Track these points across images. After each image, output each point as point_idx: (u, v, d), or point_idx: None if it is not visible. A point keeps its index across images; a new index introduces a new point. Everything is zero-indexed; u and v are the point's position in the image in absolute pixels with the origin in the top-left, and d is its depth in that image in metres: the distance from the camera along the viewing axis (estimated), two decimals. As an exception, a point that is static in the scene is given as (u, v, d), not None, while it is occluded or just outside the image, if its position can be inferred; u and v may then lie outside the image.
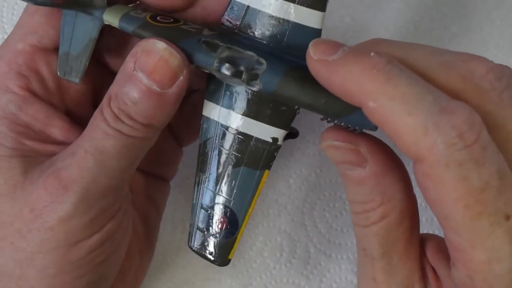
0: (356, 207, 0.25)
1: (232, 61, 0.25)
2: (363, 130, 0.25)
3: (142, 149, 0.28)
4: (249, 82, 0.25)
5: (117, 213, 0.28)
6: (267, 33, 0.27)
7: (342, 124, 0.25)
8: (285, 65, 0.25)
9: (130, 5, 0.28)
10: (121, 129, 0.26)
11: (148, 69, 0.25)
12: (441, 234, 0.25)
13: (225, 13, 0.27)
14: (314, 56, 0.23)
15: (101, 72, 0.31)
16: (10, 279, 0.27)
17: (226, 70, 0.25)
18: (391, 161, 0.24)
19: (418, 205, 0.26)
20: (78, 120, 0.30)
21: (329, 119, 0.25)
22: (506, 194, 0.21)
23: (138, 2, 0.28)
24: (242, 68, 0.25)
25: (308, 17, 0.26)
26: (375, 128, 0.24)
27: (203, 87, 0.28)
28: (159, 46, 0.25)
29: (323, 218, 0.39)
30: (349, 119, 0.25)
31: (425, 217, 0.38)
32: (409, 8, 0.40)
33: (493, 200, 0.20)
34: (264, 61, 0.25)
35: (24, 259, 0.26)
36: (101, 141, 0.26)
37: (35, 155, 0.28)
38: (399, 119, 0.21)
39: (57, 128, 0.29)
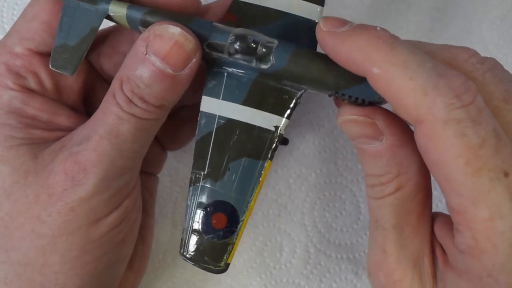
0: (372, 180, 0.26)
1: (246, 37, 0.26)
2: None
3: (154, 129, 0.28)
4: (262, 58, 0.26)
5: (132, 191, 0.29)
6: (269, 26, 0.28)
7: (351, 97, 0.26)
8: (293, 44, 0.26)
9: None
10: (135, 112, 0.27)
11: (162, 53, 0.26)
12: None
13: (227, 10, 0.28)
14: (323, 28, 0.25)
15: (93, 74, 0.32)
16: (33, 268, 0.27)
17: (240, 46, 0.26)
18: (407, 134, 0.25)
19: None
20: None
21: (337, 93, 0.26)
22: (503, 152, 0.22)
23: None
24: (255, 44, 0.26)
25: (308, 10, 0.27)
26: (381, 100, 0.25)
27: (194, 102, 0.28)
28: (173, 30, 0.26)
29: (323, 218, 0.39)
30: (358, 90, 0.25)
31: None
32: (409, 8, 0.40)
33: (491, 156, 0.21)
34: (274, 39, 0.26)
35: (47, 245, 0.27)
36: (116, 125, 0.27)
37: (43, 142, 0.28)
38: (401, 83, 0.22)
39: (64, 117, 0.29)
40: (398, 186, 0.25)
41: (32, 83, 0.29)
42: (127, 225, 0.29)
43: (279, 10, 0.27)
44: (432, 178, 0.32)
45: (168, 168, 0.38)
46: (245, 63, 0.27)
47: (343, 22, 0.24)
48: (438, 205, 0.38)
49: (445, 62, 0.24)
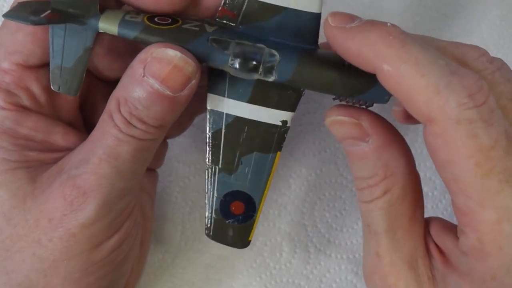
0: (360, 183, 0.26)
1: (246, 57, 0.26)
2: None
3: (153, 149, 0.28)
4: (264, 74, 0.26)
5: (133, 210, 0.29)
6: (268, 21, 0.27)
7: (354, 101, 0.26)
8: (296, 53, 0.26)
9: (122, 9, 0.27)
10: (134, 134, 0.26)
11: (161, 76, 0.25)
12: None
13: (222, 5, 0.27)
14: (332, 23, 0.24)
15: (87, 77, 0.30)
16: None
17: (241, 67, 0.26)
18: (393, 135, 0.25)
19: (424, 194, 0.26)
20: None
21: (341, 98, 0.26)
22: None
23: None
24: (256, 62, 0.26)
25: (308, 3, 0.27)
26: (386, 100, 0.25)
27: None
28: (172, 54, 0.25)
29: (323, 218, 0.39)
30: (363, 98, 0.26)
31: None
32: (409, 8, 0.40)
33: (502, 158, 0.21)
34: (276, 52, 0.26)
35: (48, 268, 0.26)
36: (115, 147, 0.26)
37: (40, 164, 0.28)
38: (413, 81, 0.22)
39: (59, 135, 0.29)
40: (386, 189, 0.25)
41: (24, 100, 0.27)
42: (128, 244, 0.29)
43: (277, 5, 0.27)
44: (431, 179, 0.32)
45: (168, 168, 0.38)
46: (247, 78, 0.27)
47: (352, 17, 0.24)
48: (439, 205, 0.38)
49: (455, 59, 0.24)
